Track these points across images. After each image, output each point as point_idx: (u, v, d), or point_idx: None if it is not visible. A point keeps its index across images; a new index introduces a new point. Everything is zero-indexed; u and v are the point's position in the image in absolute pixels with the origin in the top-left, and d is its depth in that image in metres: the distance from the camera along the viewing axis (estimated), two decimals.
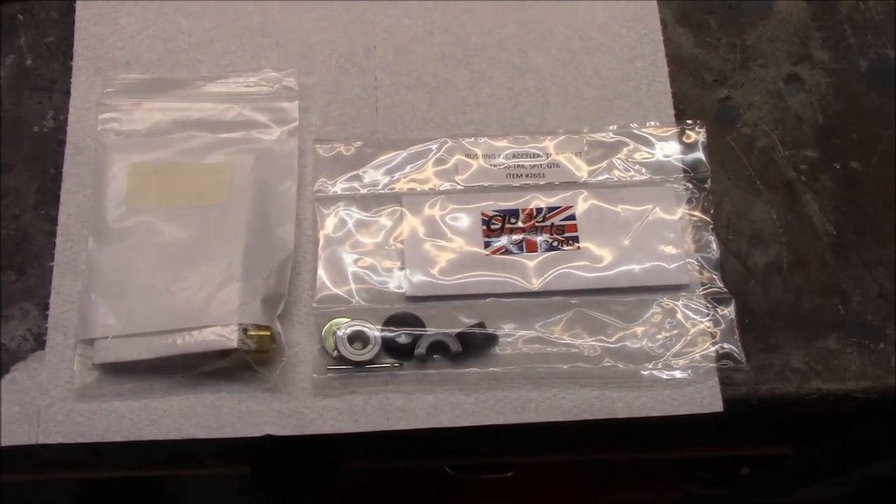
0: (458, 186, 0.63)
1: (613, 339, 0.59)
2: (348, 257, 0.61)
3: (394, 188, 0.63)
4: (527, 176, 0.64)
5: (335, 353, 0.58)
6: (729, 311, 0.60)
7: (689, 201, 0.64)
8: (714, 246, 0.62)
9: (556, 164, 0.64)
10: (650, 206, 0.63)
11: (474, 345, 0.59)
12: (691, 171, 0.64)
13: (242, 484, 0.93)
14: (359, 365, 0.58)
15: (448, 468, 1.17)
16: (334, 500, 1.26)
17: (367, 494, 1.30)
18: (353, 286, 0.60)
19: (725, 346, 0.59)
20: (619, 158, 0.65)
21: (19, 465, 0.66)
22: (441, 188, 0.63)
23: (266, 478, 0.88)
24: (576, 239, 0.62)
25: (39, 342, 0.58)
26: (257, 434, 0.57)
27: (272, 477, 0.88)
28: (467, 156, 0.64)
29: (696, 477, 1.31)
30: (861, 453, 0.88)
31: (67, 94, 0.65)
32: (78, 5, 0.67)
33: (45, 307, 0.59)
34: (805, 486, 1.05)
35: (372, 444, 0.59)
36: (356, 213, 0.62)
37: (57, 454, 0.59)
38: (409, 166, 0.64)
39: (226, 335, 0.55)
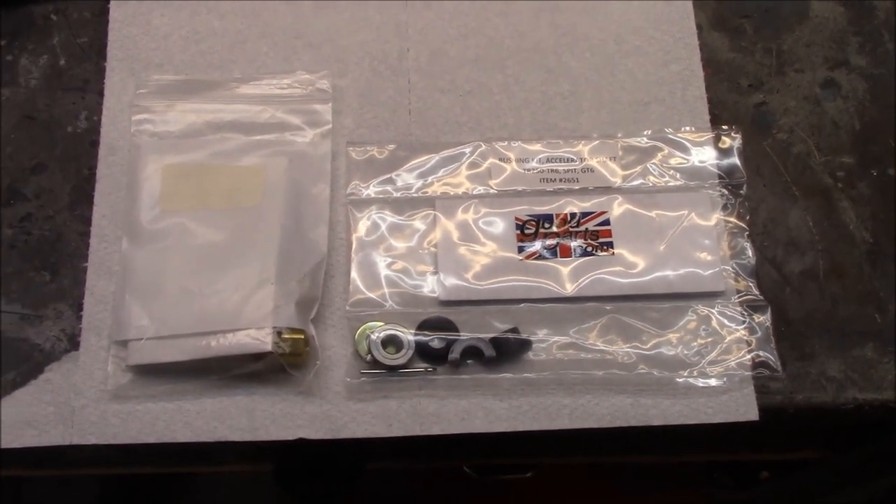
0: (492, 190, 0.63)
1: (648, 345, 0.59)
2: (381, 261, 0.60)
3: (427, 192, 0.63)
4: (561, 180, 0.63)
5: (368, 357, 0.58)
6: (765, 318, 0.60)
7: (725, 207, 0.63)
8: (750, 253, 0.62)
9: (591, 169, 0.64)
10: (685, 212, 0.62)
11: (508, 350, 0.58)
12: (727, 177, 0.64)
13: (265, 482, 0.93)
14: (392, 369, 0.58)
15: (466, 468, 1.17)
16: (350, 498, 1.26)
17: (383, 494, 1.30)
18: (386, 290, 0.60)
19: (761, 354, 0.59)
20: (653, 164, 0.64)
21: (46, 463, 0.66)
22: (474, 192, 0.63)
23: (290, 478, 0.88)
24: (610, 244, 0.61)
25: (73, 343, 0.58)
26: (290, 437, 0.57)
27: (296, 477, 0.88)
28: (501, 160, 0.64)
29: (716, 480, 1.30)
30: (885, 462, 0.87)
31: (101, 94, 0.65)
32: (112, 6, 0.67)
33: (79, 308, 0.59)
34: (827, 493, 1.04)
35: (396, 446, 0.59)
36: (389, 217, 0.62)
37: (86, 452, 0.58)
38: (443, 170, 0.64)
39: (260, 338, 0.55)
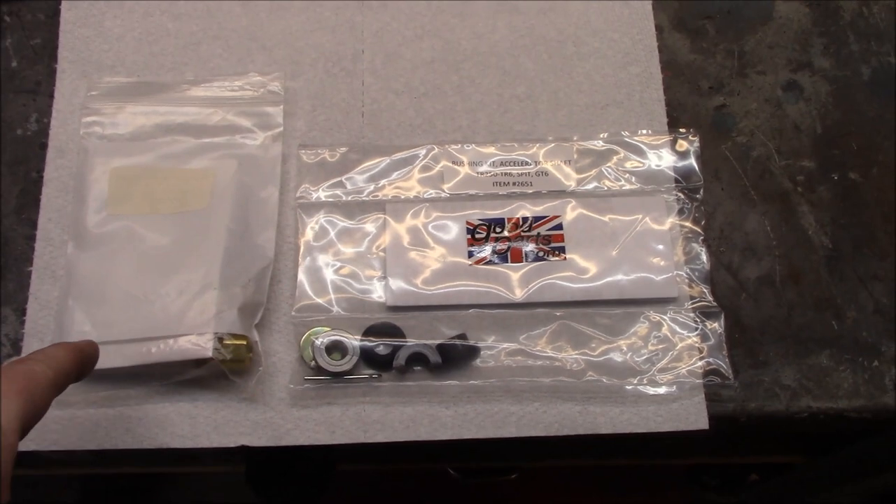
0: (444, 194, 0.62)
1: (597, 352, 0.58)
2: (329, 265, 0.60)
3: (378, 195, 0.62)
4: (514, 184, 0.62)
5: (313, 364, 0.57)
6: (718, 325, 0.59)
7: (681, 212, 0.62)
8: (704, 258, 0.61)
9: (545, 173, 0.63)
10: (639, 217, 0.61)
11: (455, 357, 0.57)
12: (683, 181, 0.63)
13: (241, 482, 0.93)
14: (336, 376, 0.57)
15: (451, 470, 1.16)
16: (336, 500, 1.25)
17: (368, 496, 1.30)
18: (332, 295, 0.59)
19: (713, 361, 0.58)
20: (609, 167, 0.63)
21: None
22: (426, 196, 0.62)
23: (260, 480, 0.87)
24: (562, 249, 0.60)
25: (16, 348, 0.58)
26: (232, 445, 0.56)
27: (266, 480, 0.88)
28: (454, 163, 0.63)
29: (704, 483, 1.29)
30: (871, 464, 0.86)
31: (52, 96, 0.64)
32: (63, 6, 0.67)
33: (23, 313, 0.59)
34: (815, 495, 1.04)
35: (370, 447, 0.58)
36: (339, 221, 0.61)
37: (52, 453, 0.58)
38: (395, 173, 0.63)
39: (201, 344, 0.55)
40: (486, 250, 0.60)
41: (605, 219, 0.61)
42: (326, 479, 0.92)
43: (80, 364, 0.44)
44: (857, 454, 0.81)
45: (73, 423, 0.56)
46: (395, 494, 1.29)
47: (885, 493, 0.96)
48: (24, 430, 0.39)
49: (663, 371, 0.58)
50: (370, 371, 0.57)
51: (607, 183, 0.63)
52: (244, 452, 0.57)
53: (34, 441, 0.56)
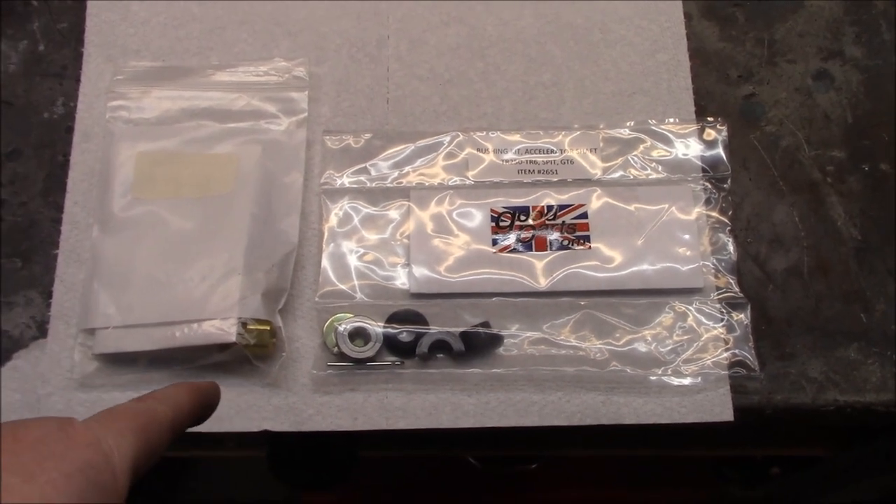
0: (468, 181, 0.62)
1: (622, 342, 0.57)
2: (353, 252, 0.60)
3: (402, 182, 0.62)
4: (539, 172, 0.62)
5: (336, 350, 0.57)
6: (744, 316, 0.58)
7: (708, 202, 0.61)
8: (731, 248, 0.60)
9: (570, 161, 0.62)
10: (666, 206, 0.61)
11: (478, 345, 0.57)
12: (710, 171, 0.62)
13: (260, 476, 0.93)
14: (359, 362, 0.57)
15: (472, 459, 1.17)
16: (357, 486, 1.26)
17: (389, 483, 1.30)
18: (356, 282, 0.59)
19: (738, 353, 0.57)
20: (635, 156, 0.63)
21: None
22: (450, 183, 0.62)
23: (282, 466, 0.88)
24: (587, 238, 0.60)
25: (42, 330, 0.58)
26: (255, 429, 0.56)
27: (288, 465, 0.88)
28: (479, 150, 0.63)
29: (726, 476, 1.29)
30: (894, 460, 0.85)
31: (78, 80, 0.65)
32: None
33: (49, 295, 0.59)
34: (837, 489, 1.03)
35: (392, 434, 0.58)
36: (363, 207, 0.61)
37: None
38: (419, 160, 0.62)
39: (224, 329, 0.55)
40: (511, 238, 0.60)
41: (631, 208, 0.61)
42: (349, 465, 0.92)
43: (202, 406, 0.42)
44: (881, 450, 0.81)
45: (97, 406, 0.56)
46: (416, 481, 1.30)
47: None
48: (137, 473, 0.36)
49: (688, 362, 0.57)
50: (393, 358, 0.57)
51: (633, 172, 0.62)
52: (266, 437, 0.57)
53: None
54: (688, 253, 0.59)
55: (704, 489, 1.32)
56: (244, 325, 0.55)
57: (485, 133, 0.63)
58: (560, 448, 0.91)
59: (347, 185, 0.62)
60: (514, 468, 1.21)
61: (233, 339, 0.54)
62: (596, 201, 0.61)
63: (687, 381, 0.57)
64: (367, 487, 1.27)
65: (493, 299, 0.59)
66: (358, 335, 0.57)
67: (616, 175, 0.62)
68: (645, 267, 0.59)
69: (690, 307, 0.58)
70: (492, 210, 0.61)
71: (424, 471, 1.29)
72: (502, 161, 0.62)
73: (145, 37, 0.66)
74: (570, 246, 0.60)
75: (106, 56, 0.65)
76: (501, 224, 0.60)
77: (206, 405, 0.43)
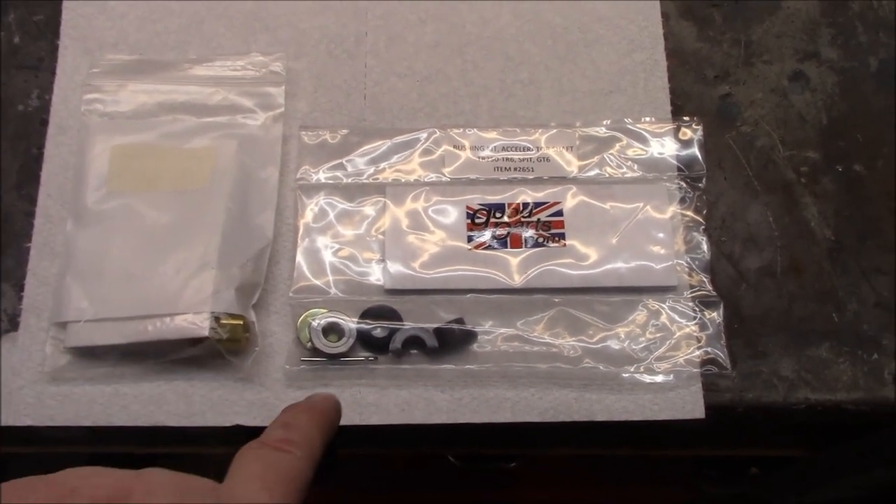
0: (445, 178, 0.62)
1: (595, 339, 0.58)
2: (328, 248, 0.60)
3: (378, 178, 0.62)
4: (515, 169, 0.62)
5: (309, 345, 0.57)
6: (717, 315, 0.59)
7: (683, 200, 0.62)
8: (705, 247, 0.60)
9: (546, 159, 0.62)
10: (640, 205, 0.61)
11: (451, 341, 0.57)
12: (686, 170, 0.62)
13: None
14: (332, 357, 0.57)
15: (451, 457, 1.16)
16: (334, 484, 1.26)
17: (369, 482, 1.30)
18: (330, 277, 0.59)
19: (711, 351, 0.58)
20: (611, 154, 0.63)
21: (10, 441, 0.66)
22: (427, 179, 0.62)
23: None
24: (562, 236, 0.60)
25: (13, 323, 0.58)
26: (227, 424, 0.56)
27: None
28: (455, 147, 0.63)
29: (706, 475, 1.29)
30: (873, 458, 0.86)
31: (54, 73, 0.64)
32: None
33: (21, 288, 0.59)
34: (816, 488, 1.03)
35: (366, 431, 0.58)
36: (338, 203, 0.61)
37: (53, 431, 0.58)
38: (396, 156, 0.62)
39: (197, 323, 0.54)
40: (486, 235, 0.60)
41: (606, 206, 0.61)
42: (329, 464, 0.92)
43: (326, 445, 0.40)
44: (859, 448, 0.81)
45: (69, 400, 0.56)
46: (397, 481, 1.30)
47: (886, 487, 0.95)
48: None
49: (661, 360, 0.57)
50: (366, 354, 0.57)
51: (609, 170, 0.62)
52: (243, 433, 0.57)
53: (30, 417, 0.56)
54: (662, 251, 0.60)
55: (684, 489, 1.32)
56: (217, 319, 0.55)
57: (462, 130, 0.63)
58: (538, 447, 0.91)
59: (323, 181, 0.62)
60: (492, 466, 1.21)
61: (205, 333, 0.54)
62: (571, 199, 0.61)
63: (659, 379, 0.57)
64: (349, 486, 1.27)
65: (468, 296, 0.59)
66: (331, 330, 0.57)
67: (592, 173, 0.62)
68: (619, 265, 0.59)
69: (664, 305, 0.59)
70: (467, 207, 0.61)
71: (404, 469, 1.29)
72: (479, 158, 0.62)
73: (122, 30, 0.65)
74: (544, 243, 0.60)
75: (82, 49, 0.65)
76: (477, 221, 0.60)
77: (330, 437, 0.41)
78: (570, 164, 0.62)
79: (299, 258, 0.59)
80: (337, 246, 0.60)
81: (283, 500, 0.34)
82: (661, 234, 0.60)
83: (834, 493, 1.01)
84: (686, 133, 0.63)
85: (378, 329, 0.57)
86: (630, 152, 0.63)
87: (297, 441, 0.38)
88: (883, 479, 0.90)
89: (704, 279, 0.60)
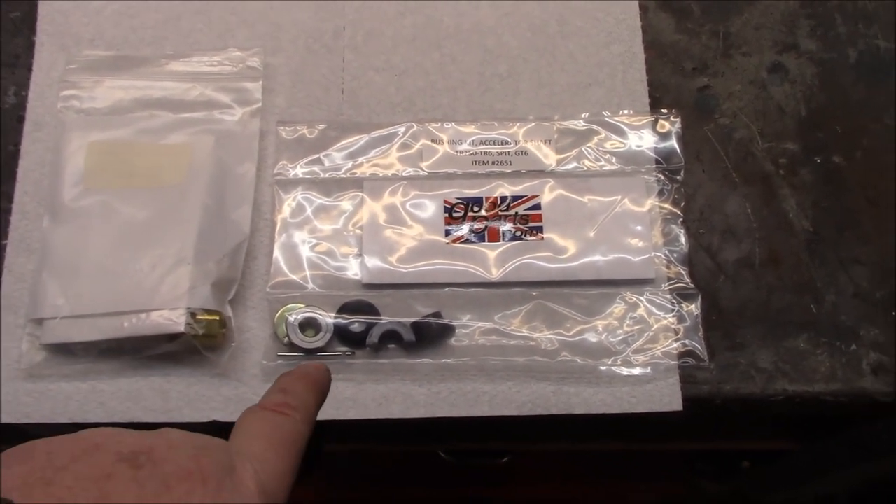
0: (422, 172, 0.62)
1: (572, 332, 0.58)
2: (305, 242, 0.59)
3: (356, 173, 0.62)
4: (493, 163, 0.62)
5: (286, 340, 0.57)
6: (695, 307, 0.59)
7: (661, 193, 0.62)
8: (683, 240, 0.60)
9: (524, 152, 0.62)
10: (618, 198, 0.61)
11: (429, 335, 0.57)
12: (664, 162, 0.62)
13: None
14: (309, 352, 0.57)
15: (442, 453, 1.16)
16: (325, 480, 1.26)
17: (359, 478, 1.30)
18: (308, 272, 0.59)
19: (688, 343, 0.58)
20: (589, 147, 0.63)
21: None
22: (404, 174, 0.62)
23: None
24: (540, 229, 0.60)
25: None
26: (204, 420, 0.56)
27: None
28: (433, 141, 0.63)
29: (698, 469, 1.29)
30: (864, 452, 0.86)
31: (30, 69, 0.64)
32: None
33: None
34: (808, 482, 1.03)
35: (358, 427, 0.58)
36: (316, 198, 0.61)
37: (29, 428, 0.58)
38: (373, 150, 0.62)
39: (173, 319, 0.54)
40: (464, 229, 0.60)
41: (584, 199, 0.61)
42: (313, 459, 0.92)
43: (319, 407, 0.42)
44: (850, 442, 0.81)
45: (45, 396, 0.56)
46: (388, 478, 1.30)
47: (879, 481, 0.96)
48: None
49: (638, 352, 0.57)
50: (343, 348, 0.57)
51: (587, 163, 0.62)
52: (220, 429, 0.57)
53: (6, 414, 0.56)
54: (640, 244, 0.60)
55: (677, 483, 1.32)
56: (193, 315, 0.55)
57: (440, 124, 0.63)
58: (517, 441, 0.91)
59: (301, 176, 0.61)
60: (483, 462, 1.21)
61: (181, 329, 0.54)
62: (549, 192, 0.61)
63: (637, 371, 0.57)
64: (340, 483, 1.27)
65: (446, 290, 0.59)
66: (308, 325, 0.57)
67: (570, 166, 0.62)
68: (597, 258, 0.59)
69: (641, 298, 0.59)
70: (445, 201, 0.61)
71: (396, 466, 1.29)
72: (456, 152, 0.62)
73: (99, 26, 0.65)
74: (522, 237, 0.60)
75: (59, 45, 0.65)
76: (454, 215, 0.60)
77: (321, 403, 0.42)
78: (548, 157, 0.62)
79: (276, 253, 0.59)
80: (314, 241, 0.60)
81: (286, 459, 0.36)
82: (638, 227, 0.60)
83: (824, 488, 1.01)
84: (664, 125, 0.63)
85: (355, 324, 0.57)
86: (608, 145, 0.63)
87: (296, 405, 0.39)
88: (873, 473, 0.90)
89: (682, 271, 0.60)
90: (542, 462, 1.30)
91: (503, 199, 0.61)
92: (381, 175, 0.62)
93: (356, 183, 0.61)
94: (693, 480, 1.29)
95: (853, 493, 1.05)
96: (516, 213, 0.60)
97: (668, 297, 0.59)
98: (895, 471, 0.89)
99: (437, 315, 0.58)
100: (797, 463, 0.99)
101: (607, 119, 0.63)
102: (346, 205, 0.61)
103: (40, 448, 0.32)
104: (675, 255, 0.60)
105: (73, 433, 0.34)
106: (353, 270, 0.59)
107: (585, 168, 0.62)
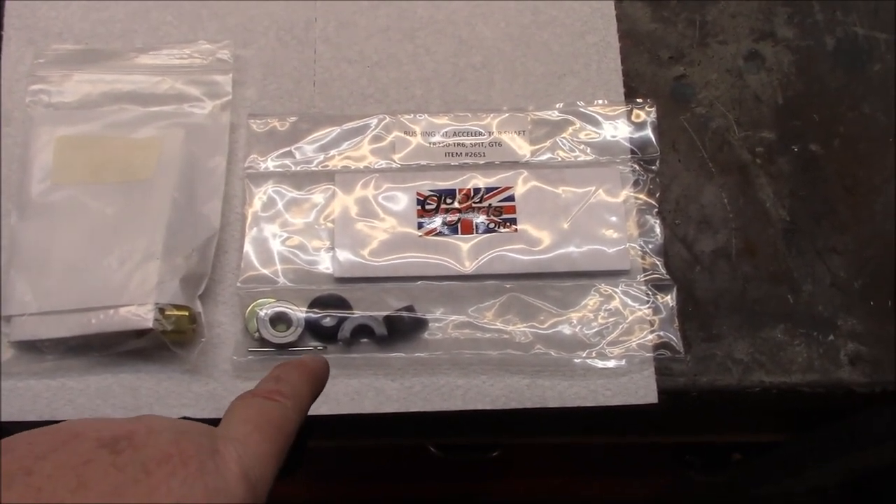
0: (395, 165, 0.61)
1: (546, 325, 0.57)
2: (276, 236, 0.59)
3: (328, 166, 0.61)
4: (466, 155, 0.61)
5: (257, 335, 0.56)
6: (670, 298, 0.58)
7: (636, 184, 0.61)
8: (658, 230, 0.60)
9: (498, 143, 0.62)
10: (593, 188, 0.60)
11: (402, 329, 0.57)
12: (639, 152, 0.62)
13: None
14: (281, 347, 0.56)
15: (431, 447, 1.16)
16: (316, 476, 1.25)
17: (349, 474, 1.30)
18: (279, 266, 0.58)
19: (664, 335, 0.57)
20: (563, 138, 0.62)
21: None
22: (377, 166, 0.61)
23: None
24: (514, 221, 0.59)
25: None
26: (175, 416, 0.55)
27: None
28: (406, 133, 0.62)
29: (688, 462, 1.29)
30: (853, 442, 0.85)
31: None
32: None
33: None
34: (798, 474, 1.03)
35: (344, 422, 0.57)
36: (287, 191, 0.60)
37: (5, 427, 0.57)
38: (345, 143, 0.62)
39: (141, 315, 0.54)
40: (436, 221, 0.59)
41: (558, 190, 0.60)
42: (297, 457, 0.91)
43: (313, 399, 0.41)
44: (840, 432, 0.81)
45: (13, 394, 0.55)
46: (380, 474, 1.29)
47: (869, 471, 0.95)
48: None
49: (613, 344, 0.57)
50: (315, 343, 0.57)
51: (562, 154, 0.62)
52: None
53: None
54: (614, 235, 0.59)
55: (667, 475, 1.32)
56: (162, 310, 0.54)
57: (412, 116, 0.62)
58: (494, 434, 0.91)
59: (272, 169, 0.61)
60: (473, 456, 1.21)
61: (149, 325, 0.53)
62: (523, 184, 0.60)
63: (611, 364, 0.56)
64: (332, 480, 1.27)
65: (418, 283, 0.58)
66: (279, 320, 0.56)
67: (544, 157, 0.62)
68: (571, 249, 0.59)
69: (616, 289, 0.58)
70: (418, 193, 0.60)
71: (387, 462, 1.28)
72: (429, 144, 0.62)
73: (67, 19, 0.64)
74: (496, 229, 0.59)
75: (27, 39, 0.64)
76: (427, 207, 0.60)
77: (317, 395, 0.42)
78: (522, 148, 0.62)
79: (247, 247, 0.58)
80: (285, 235, 0.59)
81: (272, 443, 0.36)
82: (613, 218, 0.59)
83: (815, 479, 1.01)
84: (639, 115, 0.63)
85: (327, 318, 0.56)
86: (583, 135, 0.62)
87: (287, 393, 0.39)
88: (863, 463, 0.90)
89: (658, 262, 0.59)
90: (533, 457, 1.30)
91: (476, 190, 0.60)
92: (353, 168, 0.61)
93: (328, 176, 0.61)
94: (684, 473, 1.29)
95: (843, 483, 1.05)
96: (490, 204, 0.60)
97: (644, 288, 0.58)
98: (885, 461, 0.89)
99: (409, 308, 0.57)
100: (788, 455, 0.98)
101: (582, 109, 0.63)
102: (318, 198, 0.60)
103: (22, 440, 0.32)
104: (650, 246, 0.59)
105: (55, 424, 0.33)
106: (325, 264, 0.58)
107: (560, 159, 0.61)
